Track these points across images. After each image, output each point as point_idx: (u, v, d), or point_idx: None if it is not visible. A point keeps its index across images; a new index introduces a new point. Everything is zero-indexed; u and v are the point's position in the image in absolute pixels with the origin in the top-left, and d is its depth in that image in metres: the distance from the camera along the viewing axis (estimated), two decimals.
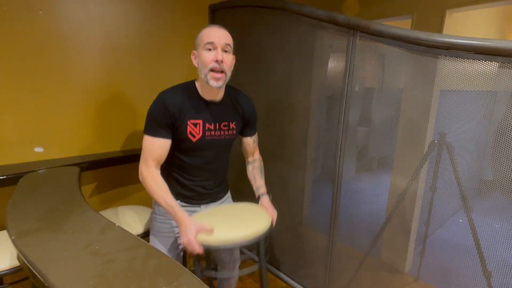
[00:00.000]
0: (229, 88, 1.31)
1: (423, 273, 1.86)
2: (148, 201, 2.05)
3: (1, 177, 1.41)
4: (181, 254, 1.47)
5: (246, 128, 1.38)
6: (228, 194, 1.51)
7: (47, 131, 1.65)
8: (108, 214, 1.68)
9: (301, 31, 1.67)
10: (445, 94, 1.42)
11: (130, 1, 1.83)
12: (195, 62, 1.19)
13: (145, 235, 1.60)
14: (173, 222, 1.30)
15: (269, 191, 1.37)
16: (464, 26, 2.81)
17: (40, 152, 1.64)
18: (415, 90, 1.57)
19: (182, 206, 1.32)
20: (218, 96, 1.23)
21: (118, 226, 0.95)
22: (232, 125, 1.28)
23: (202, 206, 1.37)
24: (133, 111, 1.95)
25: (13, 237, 0.88)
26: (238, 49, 2.00)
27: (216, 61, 1.11)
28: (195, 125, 1.19)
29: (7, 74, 1.51)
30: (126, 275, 0.72)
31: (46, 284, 0.70)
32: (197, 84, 1.22)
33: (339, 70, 1.54)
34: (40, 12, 1.57)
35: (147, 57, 1.93)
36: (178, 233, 1.33)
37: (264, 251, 1.23)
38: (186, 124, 1.17)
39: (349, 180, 1.71)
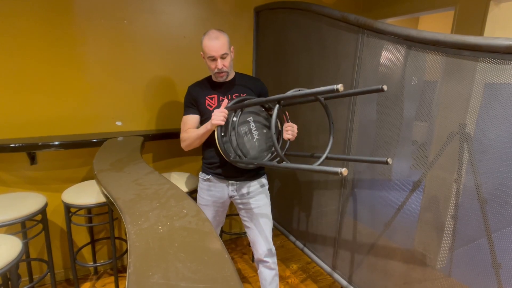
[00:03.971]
0: (240, 74, 1.72)
1: (456, 271, 1.81)
2: (195, 170, 2.54)
3: (94, 140, 2.01)
4: (219, 231, 1.86)
5: None
6: (263, 181, 1.76)
7: (125, 110, 2.22)
8: (165, 175, 2.19)
9: (323, 30, 1.91)
10: (429, 85, 1.49)
11: (188, 10, 2.28)
12: (204, 61, 1.61)
13: (187, 193, 2.05)
14: (209, 197, 1.73)
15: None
16: None
17: (119, 125, 2.22)
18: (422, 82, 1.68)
19: (212, 182, 1.71)
20: (228, 78, 1.64)
21: (157, 172, 1.38)
22: (243, 96, 1.63)
23: (230, 187, 1.69)
24: None
25: (95, 172, 1.38)
26: (276, 44, 2.32)
27: (217, 68, 1.54)
28: (211, 98, 1.63)
29: (101, 66, 2.09)
30: (152, 196, 1.13)
31: (109, 196, 1.15)
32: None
33: (350, 62, 1.75)
34: (125, 22, 2.11)
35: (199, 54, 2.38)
36: (213, 202, 1.74)
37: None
38: (205, 99, 1.63)
39: (399, 177, 1.77)
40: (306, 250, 2.37)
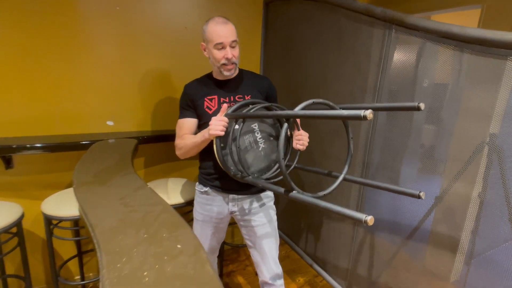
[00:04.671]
0: (245, 71, 1.49)
1: (472, 285, 1.68)
2: (194, 176, 2.32)
3: (81, 142, 1.78)
4: (218, 249, 1.64)
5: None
6: (269, 194, 1.55)
7: (117, 108, 2.00)
8: (158, 183, 1.97)
9: (340, 24, 1.69)
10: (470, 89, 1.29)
11: None
12: (205, 53, 1.38)
13: (184, 205, 1.83)
14: (206, 212, 1.51)
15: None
16: None
17: (111, 125, 2.00)
18: (458, 86, 1.47)
19: (210, 195, 1.49)
20: (232, 75, 1.42)
21: (149, 187, 1.16)
22: (247, 98, 1.42)
23: (231, 202, 1.48)
24: None
25: (74, 186, 1.16)
26: (286, 39, 2.10)
27: (227, 58, 1.31)
28: (211, 100, 1.40)
29: (91, 59, 1.86)
30: (140, 222, 0.92)
31: (86, 222, 0.94)
32: (212, 69, 1.45)
33: (374, 62, 1.53)
34: (117, 8, 1.88)
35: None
36: (211, 218, 1.52)
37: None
38: (203, 101, 1.40)
39: (407, 182, 1.64)
40: (315, 266, 2.17)
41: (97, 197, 1.07)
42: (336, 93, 1.79)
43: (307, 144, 1.31)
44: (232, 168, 1.26)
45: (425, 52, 1.33)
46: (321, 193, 1.04)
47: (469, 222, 1.62)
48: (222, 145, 1.23)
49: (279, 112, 0.95)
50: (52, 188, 1.88)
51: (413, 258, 1.65)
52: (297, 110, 0.90)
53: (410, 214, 1.62)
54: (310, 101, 0.96)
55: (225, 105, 1.22)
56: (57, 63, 1.79)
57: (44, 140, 1.74)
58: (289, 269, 2.43)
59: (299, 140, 1.29)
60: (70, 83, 1.84)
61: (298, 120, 1.33)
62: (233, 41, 1.30)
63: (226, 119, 1.20)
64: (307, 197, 0.91)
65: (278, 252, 1.56)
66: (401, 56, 1.44)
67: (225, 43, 1.28)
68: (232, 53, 1.31)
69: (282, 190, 1.01)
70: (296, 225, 2.37)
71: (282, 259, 1.78)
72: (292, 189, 0.96)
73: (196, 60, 2.12)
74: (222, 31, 1.27)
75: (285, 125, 0.93)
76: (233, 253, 2.61)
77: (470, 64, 1.21)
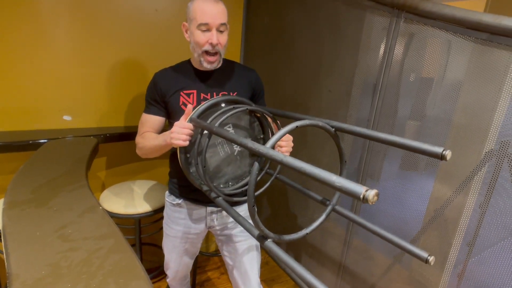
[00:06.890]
0: (229, 61, 1.26)
1: None
2: (165, 177, 2.07)
3: (29, 141, 1.49)
4: (187, 260, 1.43)
5: (253, 101, 1.27)
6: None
7: (76, 100, 1.70)
8: (122, 187, 1.72)
9: (337, 9, 1.46)
10: None
11: None
12: (186, 36, 1.14)
13: (153, 213, 1.60)
14: (179, 227, 1.31)
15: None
16: None
17: (68, 120, 1.71)
18: (475, 87, 1.29)
19: (184, 208, 1.28)
20: (213, 68, 1.19)
21: (102, 209, 0.92)
22: (233, 95, 1.19)
23: (209, 216, 1.29)
24: None
25: (3, 207, 0.90)
26: (272, 27, 1.85)
27: (211, 43, 1.07)
28: (188, 95, 1.16)
29: (45, 44, 1.55)
30: (80, 270, 0.68)
31: (6, 265, 0.69)
32: (191, 57, 1.21)
33: (375, 56, 1.31)
34: None
35: (174, 33, 1.86)
36: (185, 234, 1.32)
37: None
38: (179, 96, 1.15)
39: (388, 178, 1.51)
40: (295, 277, 2.00)
41: (28, 228, 0.82)
42: (330, 92, 1.57)
43: (291, 150, 1.10)
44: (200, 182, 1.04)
45: (442, 46, 1.12)
46: (302, 232, 0.85)
47: (461, 231, 1.50)
48: (188, 155, 1.01)
49: (250, 144, 0.69)
50: None
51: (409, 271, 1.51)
52: (270, 146, 0.65)
53: (409, 226, 1.47)
54: (293, 125, 0.70)
55: (189, 107, 0.98)
56: (4, 51, 1.47)
57: None
58: (268, 277, 2.26)
59: (282, 147, 1.07)
60: (21, 73, 1.53)
61: (278, 122, 1.12)
62: (222, 24, 1.08)
63: (190, 125, 0.97)
64: (286, 257, 0.70)
65: (259, 271, 1.38)
66: (408, 51, 1.23)
67: (211, 24, 1.06)
68: (218, 38, 1.08)
69: (256, 233, 0.79)
70: (279, 229, 2.19)
71: (261, 266, 1.60)
72: (266, 236, 0.75)
73: (169, 47, 1.84)
74: (209, 9, 1.05)
75: (255, 165, 0.67)
76: (206, 260, 2.40)
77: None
